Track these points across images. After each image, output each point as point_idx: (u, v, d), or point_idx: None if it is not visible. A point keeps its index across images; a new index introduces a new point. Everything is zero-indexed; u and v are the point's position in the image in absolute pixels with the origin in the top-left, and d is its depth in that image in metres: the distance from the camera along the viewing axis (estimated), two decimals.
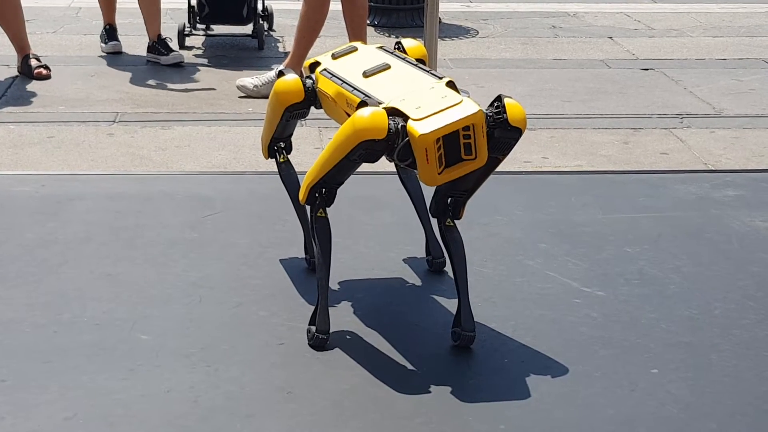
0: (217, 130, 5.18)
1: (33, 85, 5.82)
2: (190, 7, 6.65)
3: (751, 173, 4.71)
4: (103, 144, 4.96)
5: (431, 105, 2.92)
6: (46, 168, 4.62)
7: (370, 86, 3.14)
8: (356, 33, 5.94)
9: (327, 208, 3.16)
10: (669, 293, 3.50)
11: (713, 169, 4.80)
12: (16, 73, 5.97)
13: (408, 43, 3.48)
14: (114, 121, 5.27)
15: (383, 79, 3.17)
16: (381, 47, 3.44)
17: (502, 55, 6.73)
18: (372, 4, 7.11)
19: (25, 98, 5.62)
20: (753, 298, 3.47)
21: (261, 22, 6.76)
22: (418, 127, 2.84)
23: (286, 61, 5.89)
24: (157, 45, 6.21)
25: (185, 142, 5.00)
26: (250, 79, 5.88)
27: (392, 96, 3.02)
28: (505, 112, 2.91)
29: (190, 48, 6.57)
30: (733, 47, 7.03)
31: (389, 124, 2.88)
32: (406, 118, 2.89)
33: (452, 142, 2.87)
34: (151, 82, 6.00)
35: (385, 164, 3.17)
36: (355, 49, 3.44)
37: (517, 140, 2.98)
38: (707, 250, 3.85)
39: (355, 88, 3.15)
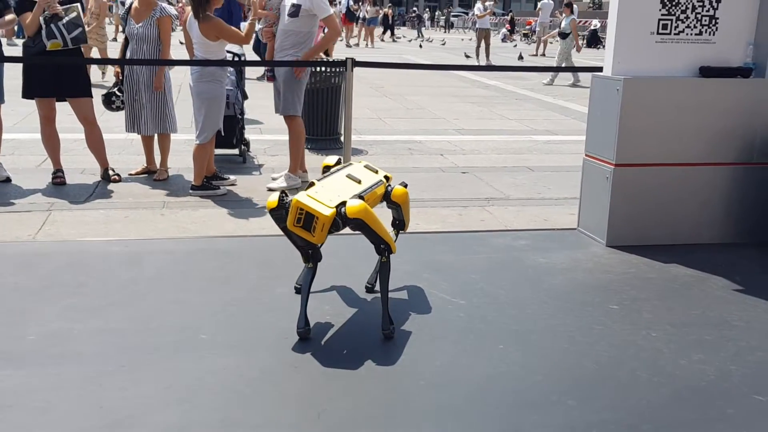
0: (227, 211, 5.08)
1: (111, 186, 5.63)
2: None
3: (532, 231, 4.78)
4: (158, 220, 4.83)
5: (323, 198, 2.92)
6: (127, 236, 4.47)
7: (338, 180, 3.15)
8: (294, 153, 5.75)
9: (315, 263, 3.12)
10: (500, 301, 3.55)
11: (511, 229, 4.86)
12: (99, 179, 5.77)
13: (397, 188, 3.38)
14: (164, 207, 5.13)
15: (348, 183, 3.15)
16: (385, 176, 3.40)
17: (381, 165, 6.70)
18: (308, 136, 7.08)
19: (107, 194, 5.44)
20: (546, 303, 3.54)
21: (243, 146, 6.68)
22: (299, 196, 2.89)
23: (289, 168, 5.77)
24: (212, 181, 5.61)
25: (209, 218, 4.89)
26: (277, 181, 5.73)
27: (329, 187, 3.03)
28: (344, 209, 2.89)
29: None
30: (510, 160, 7.16)
31: (281, 200, 2.93)
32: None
33: (309, 219, 2.86)
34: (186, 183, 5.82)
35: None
36: (374, 172, 3.40)
37: (360, 224, 2.92)
38: (515, 276, 3.90)
39: (330, 177, 3.17)
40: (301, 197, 2.89)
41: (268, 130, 8.02)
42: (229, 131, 6.29)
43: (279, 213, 2.97)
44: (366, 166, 3.43)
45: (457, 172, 6.53)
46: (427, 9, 52.62)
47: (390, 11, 33.94)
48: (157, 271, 3.81)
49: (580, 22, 23.45)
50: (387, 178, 3.44)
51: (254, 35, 6.20)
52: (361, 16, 27.00)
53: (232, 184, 5.76)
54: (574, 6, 15.68)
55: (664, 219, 4.43)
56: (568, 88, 13.93)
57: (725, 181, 4.47)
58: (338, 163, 3.44)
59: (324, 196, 2.94)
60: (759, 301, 3.61)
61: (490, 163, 6.98)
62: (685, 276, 3.94)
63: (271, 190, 5.62)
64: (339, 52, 17.21)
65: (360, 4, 28.39)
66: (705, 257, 4.20)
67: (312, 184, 3.03)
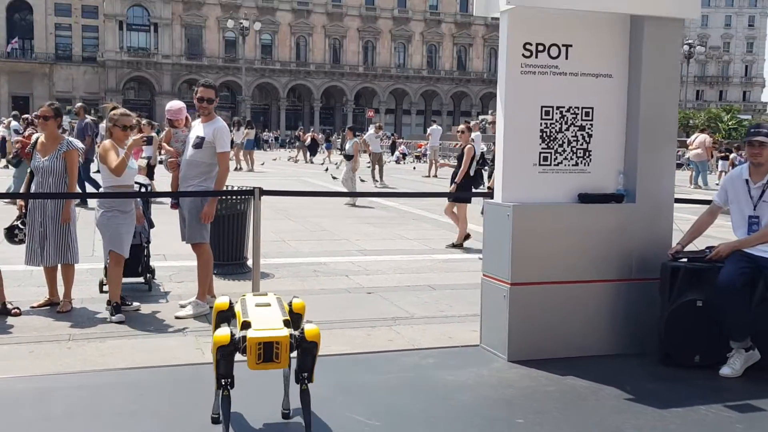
0: (136, 341, 4.99)
1: (11, 320, 5.44)
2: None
3: (438, 348, 4.92)
4: (65, 354, 4.69)
5: (268, 325, 3.06)
6: (33, 372, 4.32)
7: (254, 311, 3.23)
8: (203, 279, 5.77)
9: (230, 390, 3.17)
10: (413, 420, 3.66)
11: (418, 348, 4.97)
12: None
13: (296, 300, 3.50)
14: (69, 340, 4.99)
15: (262, 310, 3.25)
16: (278, 298, 3.47)
17: (288, 288, 6.71)
18: (215, 261, 7.03)
19: (7, 329, 5.24)
20: (456, 419, 3.67)
21: (149, 275, 6.62)
22: (251, 334, 3.00)
23: (197, 294, 5.74)
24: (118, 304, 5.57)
25: (118, 350, 4.80)
26: (185, 309, 5.67)
27: (256, 317, 3.15)
28: (303, 333, 3.08)
29: (105, 292, 6.24)
30: (413, 278, 7.35)
31: (232, 336, 3.03)
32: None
33: (269, 349, 2.99)
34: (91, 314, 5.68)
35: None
36: (263, 295, 3.50)
37: (312, 350, 3.11)
38: (426, 395, 4.02)
39: (245, 310, 3.24)
40: (252, 334, 3.01)
41: (172, 257, 7.96)
42: (135, 260, 6.27)
43: (229, 350, 3.04)
44: (254, 294, 3.54)
45: (363, 293, 6.65)
46: (322, 132, 54.20)
47: (316, 134, 34.54)
48: (66, 407, 3.71)
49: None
50: (279, 299, 3.50)
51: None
52: (240, 140, 26.97)
53: (137, 310, 5.69)
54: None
55: (559, 333, 4.72)
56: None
57: (609, 296, 4.84)
58: (230, 303, 3.48)
59: (262, 324, 3.07)
60: (648, 408, 3.88)
61: (394, 282, 7.15)
62: (582, 387, 4.18)
63: (179, 318, 5.58)
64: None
65: (235, 128, 28.68)
66: (598, 368, 4.47)
67: (247, 324, 3.10)
